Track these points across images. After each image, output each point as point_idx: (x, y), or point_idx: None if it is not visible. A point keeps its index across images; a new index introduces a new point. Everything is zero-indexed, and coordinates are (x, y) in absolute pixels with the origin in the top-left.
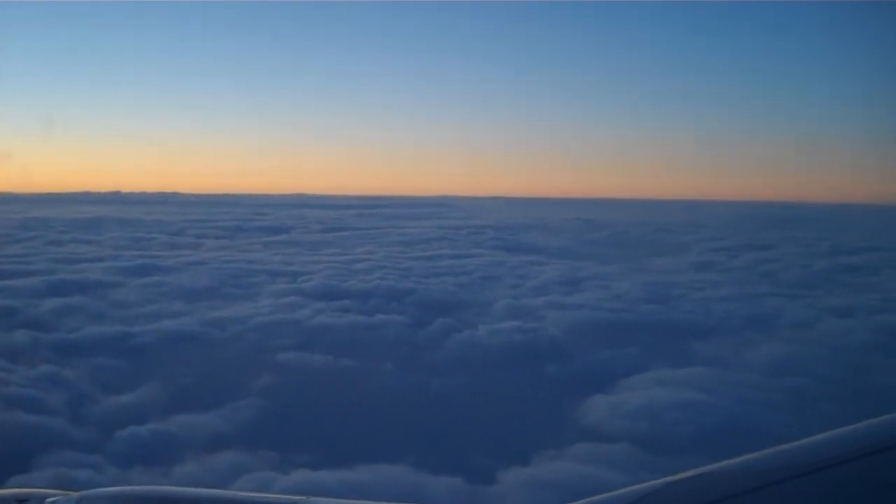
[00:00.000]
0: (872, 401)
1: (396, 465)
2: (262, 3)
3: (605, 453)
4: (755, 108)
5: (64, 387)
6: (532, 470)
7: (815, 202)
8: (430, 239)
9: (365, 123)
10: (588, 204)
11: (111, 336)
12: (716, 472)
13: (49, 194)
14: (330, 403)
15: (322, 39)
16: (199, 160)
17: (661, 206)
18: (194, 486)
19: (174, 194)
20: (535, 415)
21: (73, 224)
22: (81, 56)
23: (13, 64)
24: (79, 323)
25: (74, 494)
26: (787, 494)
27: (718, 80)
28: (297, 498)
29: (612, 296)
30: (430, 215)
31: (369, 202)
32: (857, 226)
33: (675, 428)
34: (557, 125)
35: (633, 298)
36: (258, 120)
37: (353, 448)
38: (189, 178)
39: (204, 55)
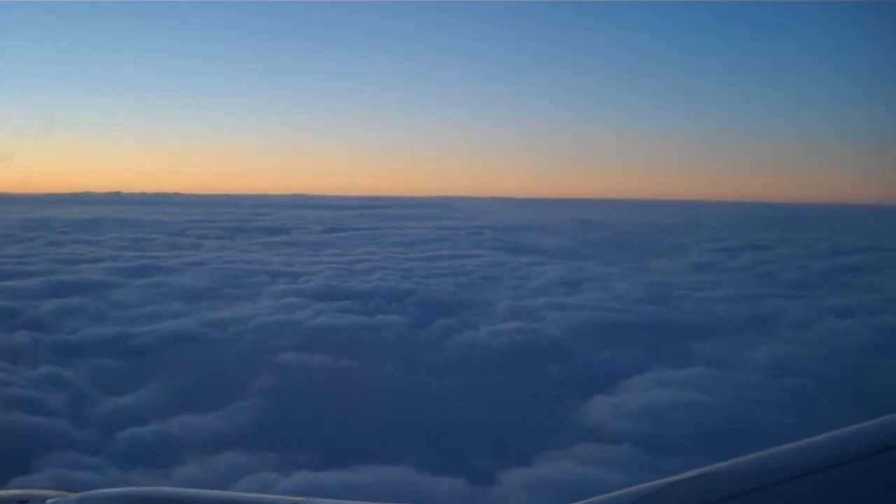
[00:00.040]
0: (873, 401)
1: (398, 466)
2: (263, 4)
3: (606, 454)
4: (755, 108)
5: (64, 388)
6: (534, 471)
7: (813, 202)
8: (430, 239)
9: (364, 124)
10: (587, 204)
11: (112, 337)
12: (715, 472)
13: (49, 195)
14: (331, 404)
15: (322, 39)
16: (199, 161)
17: (659, 207)
18: (196, 488)
19: (174, 195)
20: (537, 415)
21: (74, 225)
22: (82, 56)
23: (13, 64)
24: (79, 324)
25: (75, 495)
26: (787, 495)
27: (718, 81)
28: (298, 499)
29: (613, 296)
30: (430, 216)
31: (368, 203)
32: (856, 226)
33: (677, 428)
34: (556, 126)
35: (634, 299)
36: (258, 120)
37: (355, 449)
38: (189, 179)
39: (204, 55)
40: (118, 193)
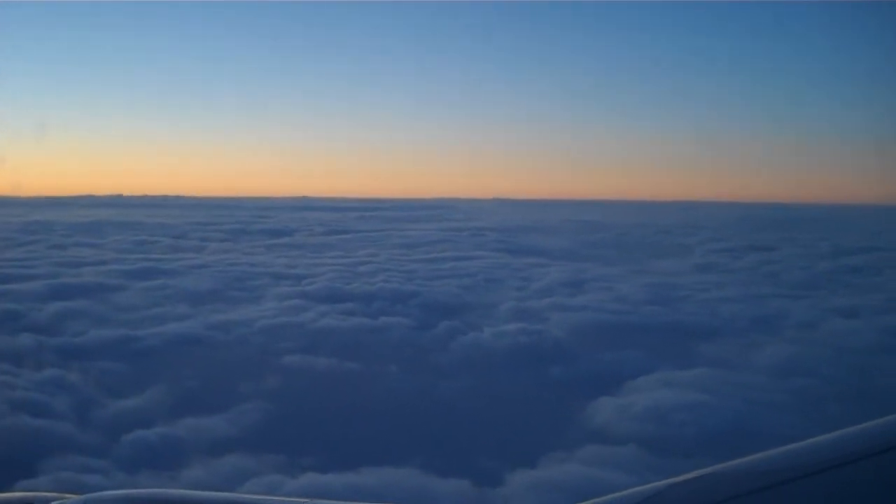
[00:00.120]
0: (878, 401)
1: (403, 468)
2: (264, 4)
3: (613, 455)
4: (756, 108)
5: (69, 391)
6: (539, 472)
7: (815, 203)
8: (433, 241)
9: (365, 126)
10: (588, 205)
11: (116, 339)
12: (719, 472)
13: (51, 198)
14: (335, 406)
15: (323, 41)
16: (201, 163)
17: (660, 208)
18: (202, 490)
19: (176, 197)
20: (542, 417)
21: (76, 227)
22: (83, 58)
23: (14, 65)
24: (83, 326)
25: (79, 497)
26: (791, 495)
27: (718, 81)
28: (302, 500)
29: (616, 297)
30: (432, 218)
31: (370, 205)
32: (859, 226)
33: (682, 430)
34: (557, 127)
35: (637, 300)
36: (259, 122)
37: (360, 451)
38: (191, 181)
39: (206, 57)
40: (120, 196)
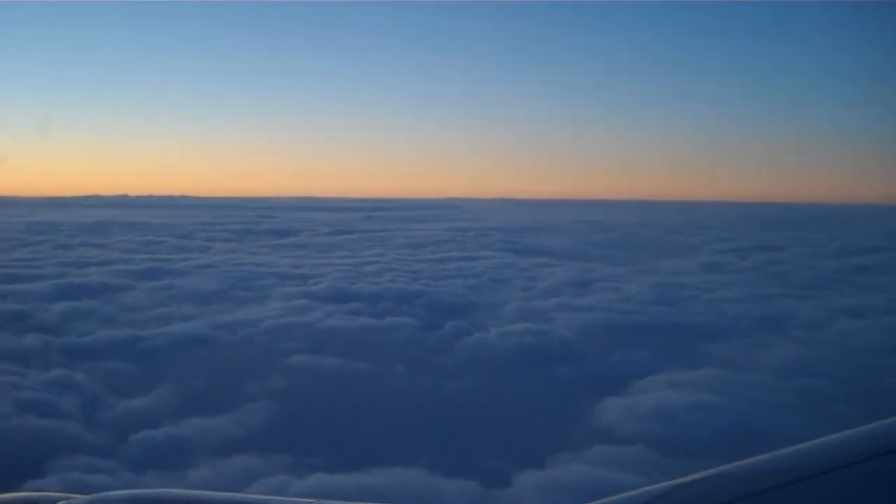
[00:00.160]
0: (885, 402)
1: (410, 469)
2: (267, 4)
3: (620, 456)
4: (761, 108)
5: (76, 391)
6: (546, 472)
7: (820, 202)
8: (439, 241)
9: (370, 126)
10: (593, 205)
11: (122, 339)
12: (725, 473)
13: (56, 198)
14: (342, 406)
15: (328, 41)
16: (207, 163)
17: (665, 207)
18: (208, 490)
19: (181, 197)
20: (548, 417)
21: (82, 228)
22: (87, 58)
23: (17, 65)
24: (89, 327)
25: (85, 497)
26: (798, 496)
27: (722, 81)
28: (309, 501)
29: (623, 297)
30: (437, 218)
31: (376, 205)
32: (865, 226)
33: (689, 430)
34: (562, 127)
35: (644, 300)
36: (264, 122)
37: (367, 451)
38: (196, 182)
39: (212, 58)
40: (126, 196)
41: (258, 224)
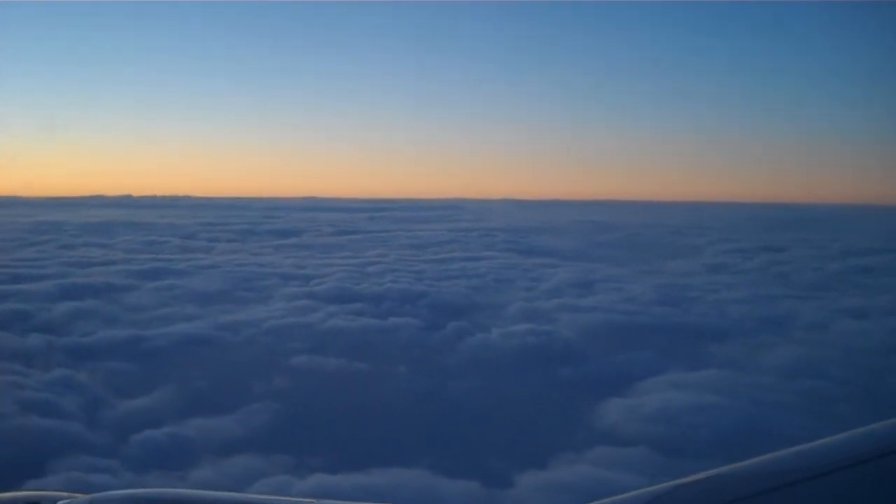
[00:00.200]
0: (888, 403)
1: (412, 469)
2: (271, 4)
3: (622, 456)
4: (763, 108)
5: (78, 391)
6: (549, 473)
7: (823, 203)
8: (442, 242)
9: (374, 126)
10: (596, 206)
11: (125, 340)
12: (726, 474)
13: (60, 198)
14: (344, 407)
15: (332, 41)
16: (210, 164)
17: (668, 208)
18: (210, 490)
19: (185, 198)
20: (551, 418)
21: (85, 228)
22: (90, 58)
23: (19, 66)
24: (92, 327)
25: (87, 497)
26: (800, 496)
27: (725, 81)
28: (311, 501)
29: (626, 298)
30: (440, 218)
31: (379, 205)
32: (868, 227)
33: (692, 431)
34: (565, 128)
35: (647, 301)
36: (268, 123)
37: (369, 452)
38: (200, 182)
39: (215, 57)
40: (129, 196)
41: (261, 224)
